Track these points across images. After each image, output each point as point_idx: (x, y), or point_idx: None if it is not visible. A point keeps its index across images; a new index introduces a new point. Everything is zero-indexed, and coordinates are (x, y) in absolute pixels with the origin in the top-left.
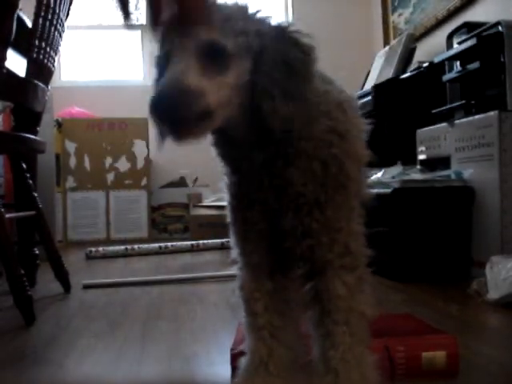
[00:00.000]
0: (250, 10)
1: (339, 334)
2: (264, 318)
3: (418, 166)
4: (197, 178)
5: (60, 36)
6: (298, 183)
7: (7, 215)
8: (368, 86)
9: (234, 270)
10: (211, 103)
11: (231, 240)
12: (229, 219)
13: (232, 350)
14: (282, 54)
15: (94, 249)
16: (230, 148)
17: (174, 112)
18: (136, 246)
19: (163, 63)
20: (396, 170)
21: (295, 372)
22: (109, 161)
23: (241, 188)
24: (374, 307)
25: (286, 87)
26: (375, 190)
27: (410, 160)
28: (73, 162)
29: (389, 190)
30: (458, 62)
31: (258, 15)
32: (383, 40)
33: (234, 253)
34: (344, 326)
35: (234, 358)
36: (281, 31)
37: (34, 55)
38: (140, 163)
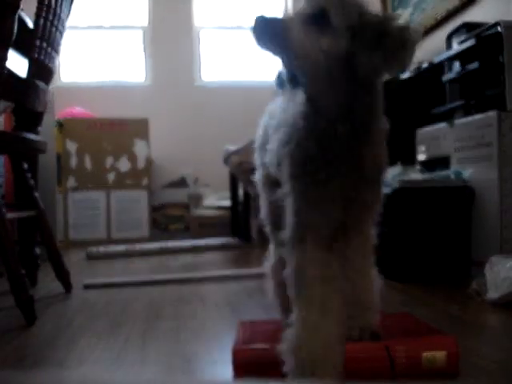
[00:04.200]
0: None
1: (356, 256)
2: (333, 272)
3: (418, 166)
4: (197, 178)
5: (61, 36)
6: (367, 161)
7: (8, 215)
8: None
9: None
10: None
11: (293, 217)
12: (291, 197)
13: (233, 348)
14: (381, 25)
15: (94, 248)
16: (318, 119)
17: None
18: (137, 246)
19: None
20: (396, 170)
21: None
22: (110, 161)
23: (316, 162)
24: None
25: (380, 49)
26: None
27: (409, 160)
28: (74, 161)
29: (388, 190)
30: (458, 63)
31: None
32: None
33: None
34: (360, 253)
35: (235, 356)
36: (379, 15)
37: (35, 55)
38: (141, 163)
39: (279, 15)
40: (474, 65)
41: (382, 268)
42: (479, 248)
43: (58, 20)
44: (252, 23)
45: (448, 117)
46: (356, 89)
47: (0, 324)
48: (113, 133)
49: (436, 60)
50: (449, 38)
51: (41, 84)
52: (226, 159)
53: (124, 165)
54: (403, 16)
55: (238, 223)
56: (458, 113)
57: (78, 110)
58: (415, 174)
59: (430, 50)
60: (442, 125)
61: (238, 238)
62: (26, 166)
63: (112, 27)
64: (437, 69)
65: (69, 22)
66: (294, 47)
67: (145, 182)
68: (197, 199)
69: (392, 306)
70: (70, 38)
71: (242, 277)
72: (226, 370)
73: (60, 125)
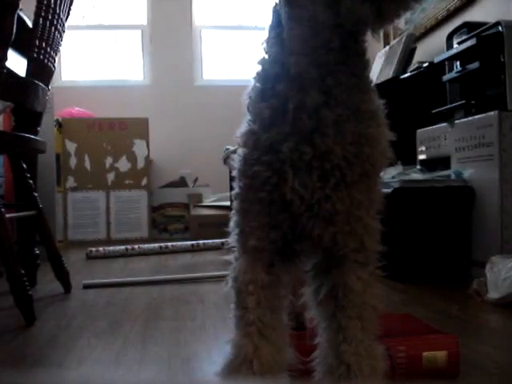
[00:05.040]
0: None
1: (352, 328)
2: (254, 314)
3: (418, 166)
4: (197, 178)
5: (60, 36)
6: (330, 135)
7: (8, 215)
8: None
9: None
10: None
11: (233, 220)
12: (236, 189)
13: None
14: None
15: (94, 249)
16: (286, 83)
17: None
18: (136, 246)
19: None
20: (396, 170)
21: (278, 373)
22: (109, 161)
23: (267, 139)
24: (382, 301)
25: None
26: None
27: (410, 160)
28: (73, 161)
29: (389, 190)
30: (458, 62)
31: None
32: (383, 40)
33: (233, 237)
34: (357, 320)
35: None
36: None
37: (35, 55)
38: (140, 163)
39: None
40: (475, 65)
41: (383, 268)
42: (480, 248)
43: (58, 19)
44: None
45: (448, 117)
46: (338, 42)
47: (0, 324)
48: (112, 133)
49: (436, 60)
50: (449, 38)
51: (40, 84)
52: (226, 159)
53: (123, 165)
54: None
55: None
56: (458, 113)
57: (77, 110)
58: (415, 174)
59: (430, 49)
60: (443, 125)
61: None
62: (25, 165)
63: (111, 26)
64: (437, 69)
65: (68, 22)
66: None
67: (144, 182)
68: (196, 199)
69: (392, 306)
70: (69, 37)
71: None
72: None
73: (59, 125)
